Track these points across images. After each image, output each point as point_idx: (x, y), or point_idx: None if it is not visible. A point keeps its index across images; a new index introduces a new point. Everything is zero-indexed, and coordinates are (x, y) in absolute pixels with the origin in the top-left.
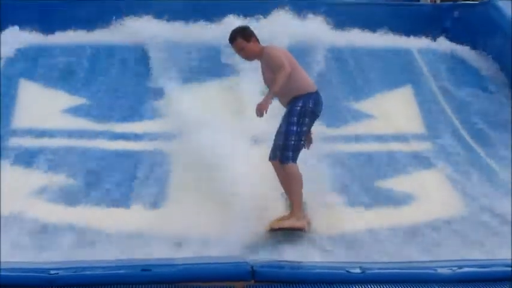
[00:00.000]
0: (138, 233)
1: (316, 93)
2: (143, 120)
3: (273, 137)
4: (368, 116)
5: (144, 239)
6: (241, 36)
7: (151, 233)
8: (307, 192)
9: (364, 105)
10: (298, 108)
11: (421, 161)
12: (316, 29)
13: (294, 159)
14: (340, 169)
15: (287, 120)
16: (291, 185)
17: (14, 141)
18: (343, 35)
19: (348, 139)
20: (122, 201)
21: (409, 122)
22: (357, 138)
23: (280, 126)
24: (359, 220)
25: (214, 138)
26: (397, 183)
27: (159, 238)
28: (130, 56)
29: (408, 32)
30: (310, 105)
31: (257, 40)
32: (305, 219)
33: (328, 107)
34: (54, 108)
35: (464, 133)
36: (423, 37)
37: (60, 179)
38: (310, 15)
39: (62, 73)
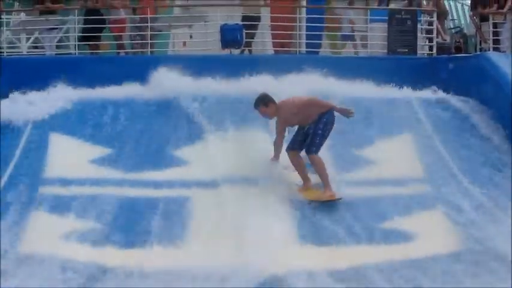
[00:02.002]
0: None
1: (332, 110)
2: (167, 168)
3: None
4: (370, 162)
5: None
6: (262, 104)
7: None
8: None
9: (366, 152)
10: (325, 119)
11: (420, 203)
12: (322, 81)
13: (316, 153)
14: (345, 211)
15: (315, 126)
16: (319, 170)
17: (45, 190)
18: (347, 87)
19: (352, 184)
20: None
21: (409, 167)
22: (360, 183)
23: (307, 129)
24: (366, 257)
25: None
26: (399, 224)
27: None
28: (156, 108)
29: (407, 83)
30: (330, 119)
31: (274, 103)
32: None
33: (335, 154)
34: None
35: (461, 176)
36: (421, 88)
37: (87, 224)
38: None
39: (90, 126)
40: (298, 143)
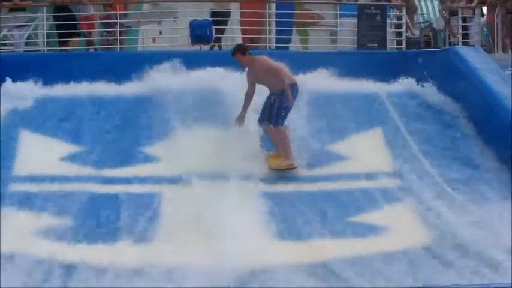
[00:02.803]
0: (130, 267)
1: (296, 83)
2: (139, 164)
3: None
4: (341, 157)
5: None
6: (240, 52)
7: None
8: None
9: (337, 147)
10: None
11: (390, 197)
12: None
13: (282, 124)
14: (317, 206)
15: (280, 99)
16: (283, 139)
17: (15, 187)
18: (317, 81)
19: (323, 178)
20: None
21: (379, 161)
22: (331, 178)
23: (273, 102)
24: (336, 251)
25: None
26: (369, 217)
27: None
28: (126, 105)
29: (377, 77)
30: (295, 93)
31: (249, 54)
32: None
33: (304, 149)
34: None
35: (431, 170)
36: (391, 82)
37: (56, 220)
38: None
39: (59, 122)
40: (267, 115)
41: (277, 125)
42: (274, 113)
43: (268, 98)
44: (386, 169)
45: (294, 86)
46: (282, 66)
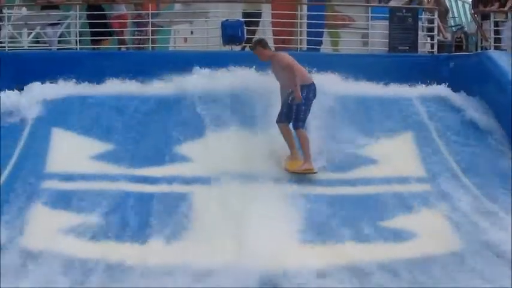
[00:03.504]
0: (160, 266)
1: (314, 84)
2: (170, 164)
3: None
4: (371, 161)
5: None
6: (260, 45)
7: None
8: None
9: (368, 151)
10: (304, 94)
11: (420, 202)
12: (324, 79)
13: (303, 127)
14: (346, 209)
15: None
16: (301, 142)
17: (46, 185)
18: (348, 84)
19: (353, 182)
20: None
21: (409, 166)
22: (361, 181)
23: (290, 102)
24: (366, 255)
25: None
26: (399, 222)
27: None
28: (158, 104)
29: (408, 80)
30: (312, 93)
31: (270, 48)
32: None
33: (335, 152)
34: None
35: (461, 175)
36: (422, 85)
37: (86, 219)
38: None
39: (91, 121)
40: (284, 115)
41: (298, 127)
42: (293, 114)
43: (286, 97)
44: (417, 173)
45: (310, 87)
46: (299, 66)
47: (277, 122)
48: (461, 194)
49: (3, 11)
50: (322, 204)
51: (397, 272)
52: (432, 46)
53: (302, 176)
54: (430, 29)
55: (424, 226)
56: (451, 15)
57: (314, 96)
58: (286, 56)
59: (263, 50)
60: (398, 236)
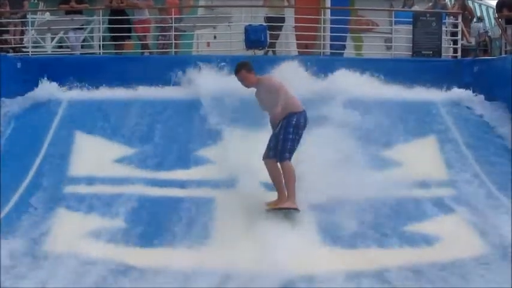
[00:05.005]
0: (183, 270)
1: (304, 111)
2: (194, 168)
3: None
4: (394, 164)
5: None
6: (245, 69)
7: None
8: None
9: (391, 154)
10: (294, 121)
11: (443, 206)
12: (346, 82)
13: (290, 159)
14: (369, 213)
15: (285, 130)
16: (287, 177)
17: (70, 188)
18: (371, 88)
19: (375, 185)
20: (165, 240)
21: (433, 170)
22: (384, 185)
23: (278, 133)
24: (390, 260)
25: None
26: (422, 226)
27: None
28: (181, 108)
29: (432, 85)
30: (302, 121)
31: (254, 73)
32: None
33: (358, 155)
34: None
35: (485, 179)
36: (446, 90)
37: (109, 222)
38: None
39: (114, 125)
40: (272, 150)
41: (284, 159)
42: (279, 145)
43: (275, 129)
44: (440, 178)
45: (300, 114)
46: (288, 91)
47: (263, 158)
48: (485, 199)
49: (27, 16)
50: (346, 209)
51: (422, 276)
52: (456, 50)
53: None
54: (454, 33)
55: (447, 231)
56: (475, 20)
57: (305, 125)
58: (271, 79)
59: (248, 75)
60: (423, 240)
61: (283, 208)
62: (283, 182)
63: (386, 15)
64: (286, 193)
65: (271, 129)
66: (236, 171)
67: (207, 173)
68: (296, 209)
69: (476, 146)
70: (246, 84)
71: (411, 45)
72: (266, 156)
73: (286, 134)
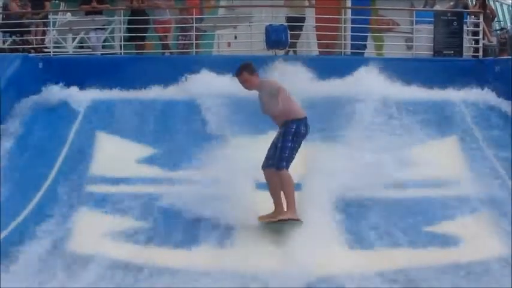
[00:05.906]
0: (206, 271)
1: (306, 118)
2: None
3: None
4: (416, 164)
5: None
6: (247, 71)
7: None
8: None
9: (413, 154)
10: (293, 129)
11: (466, 206)
12: (366, 82)
13: (287, 168)
14: (390, 213)
15: (283, 137)
16: (286, 187)
17: (91, 188)
18: (392, 88)
19: (397, 186)
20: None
21: (454, 169)
22: (406, 185)
23: (277, 141)
24: (413, 259)
25: None
26: (444, 227)
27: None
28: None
29: (453, 85)
30: (302, 128)
31: (257, 75)
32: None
33: (380, 154)
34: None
35: (507, 179)
36: (467, 89)
37: (132, 222)
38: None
39: (136, 125)
40: (272, 158)
41: (281, 168)
42: (277, 154)
43: (276, 137)
44: (462, 177)
45: (301, 121)
46: (290, 96)
47: (263, 167)
48: (507, 199)
49: (49, 16)
50: (368, 209)
51: (445, 277)
52: (477, 50)
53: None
54: (475, 33)
55: (471, 231)
56: (496, 20)
57: (306, 132)
58: (274, 83)
59: (250, 77)
60: (445, 241)
61: (283, 220)
62: (281, 194)
63: (407, 14)
64: (283, 205)
65: None
66: (258, 171)
67: (232, 173)
68: (298, 220)
69: (498, 146)
70: (247, 86)
71: (432, 44)
72: (266, 165)
73: (285, 142)
